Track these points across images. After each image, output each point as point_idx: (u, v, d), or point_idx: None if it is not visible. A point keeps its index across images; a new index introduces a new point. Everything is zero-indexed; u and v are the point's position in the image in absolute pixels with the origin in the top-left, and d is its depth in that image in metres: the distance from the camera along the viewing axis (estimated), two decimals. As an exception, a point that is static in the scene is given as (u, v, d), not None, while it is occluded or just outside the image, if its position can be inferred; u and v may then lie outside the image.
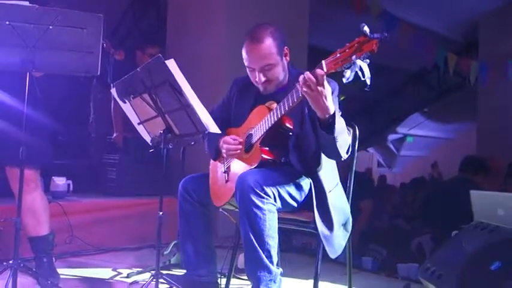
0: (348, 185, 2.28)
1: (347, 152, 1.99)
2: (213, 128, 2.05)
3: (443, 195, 4.06)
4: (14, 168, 2.40)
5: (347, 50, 1.66)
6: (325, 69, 1.73)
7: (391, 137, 13.05)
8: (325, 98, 1.78)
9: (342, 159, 2.00)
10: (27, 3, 2.03)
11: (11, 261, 2.07)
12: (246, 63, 2.12)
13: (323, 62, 1.74)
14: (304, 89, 1.76)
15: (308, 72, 1.76)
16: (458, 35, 8.43)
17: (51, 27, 2.03)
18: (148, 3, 7.19)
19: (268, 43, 2.04)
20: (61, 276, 2.60)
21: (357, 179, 2.36)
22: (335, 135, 1.86)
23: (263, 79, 2.08)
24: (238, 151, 2.12)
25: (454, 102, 9.91)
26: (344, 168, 2.29)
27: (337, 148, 1.91)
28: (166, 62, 1.95)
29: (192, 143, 2.96)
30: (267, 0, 4.58)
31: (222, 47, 4.43)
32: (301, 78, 1.77)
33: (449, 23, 7.83)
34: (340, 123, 1.89)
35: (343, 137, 1.94)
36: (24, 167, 2.18)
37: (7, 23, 1.98)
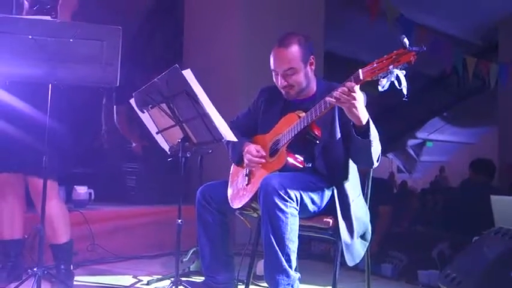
0: (365, 191, 2.28)
1: (377, 160, 2.02)
2: (229, 136, 2.08)
3: (463, 200, 4.00)
4: (33, 178, 2.45)
5: (384, 61, 1.72)
6: (361, 78, 1.78)
7: (411, 142, 12.93)
8: (360, 106, 1.83)
9: (374, 166, 2.03)
10: (48, 18, 2.10)
11: (35, 269, 2.12)
12: (271, 67, 2.18)
13: (360, 70, 1.79)
14: (342, 97, 1.80)
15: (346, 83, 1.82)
16: (476, 38, 8.33)
17: (71, 40, 2.09)
18: (166, 15, 7.28)
19: (294, 49, 2.11)
20: (83, 284, 2.64)
21: (376, 185, 2.36)
22: (371, 138, 1.89)
23: (284, 83, 2.13)
24: (260, 165, 2.15)
25: (474, 106, 9.78)
26: (362, 174, 2.30)
27: (371, 154, 1.94)
28: (183, 72, 1.99)
29: (210, 151, 3.00)
30: (283, 9, 4.61)
31: (238, 56, 4.48)
32: (337, 91, 1.82)
33: (467, 26, 7.75)
34: (374, 129, 1.93)
35: (377, 143, 1.97)
36: (40, 177, 2.24)
37: (30, 37, 2.04)
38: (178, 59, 6.31)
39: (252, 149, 2.19)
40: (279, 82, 2.15)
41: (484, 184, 3.89)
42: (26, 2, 2.46)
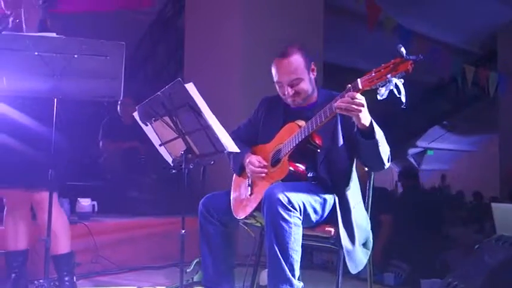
0: (366, 200, 2.30)
1: (388, 161, 2.04)
2: (232, 147, 2.11)
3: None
4: (34, 190, 2.47)
5: (382, 70, 1.75)
6: (360, 87, 1.82)
7: (412, 151, 12.94)
8: (363, 110, 1.86)
9: (385, 167, 2.05)
10: (54, 35, 2.14)
11: (41, 280, 2.14)
12: (275, 80, 2.21)
13: (358, 80, 1.83)
14: (351, 107, 1.83)
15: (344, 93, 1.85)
16: (475, 46, 8.40)
17: (76, 55, 2.13)
18: (166, 28, 7.37)
19: (296, 57, 2.16)
20: (87, 295, 2.66)
21: (377, 194, 2.38)
22: (377, 137, 1.92)
23: (291, 92, 2.17)
24: (263, 175, 2.18)
25: (474, 114, 9.82)
26: (363, 183, 2.32)
27: (380, 154, 1.97)
28: (186, 85, 2.02)
29: (212, 163, 3.02)
30: (283, 20, 4.67)
31: (239, 68, 4.53)
32: (344, 100, 1.85)
33: (465, 35, 7.82)
34: (378, 130, 1.96)
35: (384, 142, 1.99)
36: (38, 189, 2.30)
37: (36, 53, 2.09)
38: (179, 70, 6.38)
39: (254, 160, 2.22)
40: (286, 92, 2.18)
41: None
42: None
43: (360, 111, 1.85)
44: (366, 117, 1.90)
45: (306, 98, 2.20)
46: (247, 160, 2.24)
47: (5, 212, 2.61)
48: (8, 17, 2.42)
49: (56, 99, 2.22)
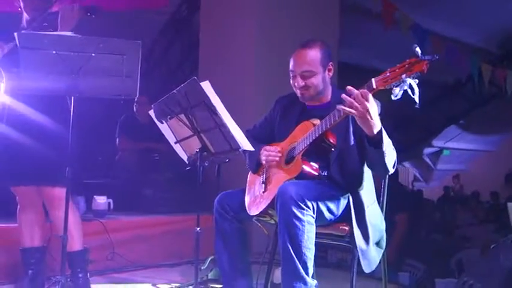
0: (381, 199, 2.30)
1: (393, 167, 2.03)
2: (246, 145, 2.13)
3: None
4: (46, 187, 2.50)
5: (397, 70, 1.74)
6: (374, 86, 1.81)
7: (427, 150, 12.80)
8: (373, 114, 1.84)
9: (389, 173, 2.05)
10: (71, 34, 2.18)
11: (58, 277, 2.17)
12: (290, 69, 2.21)
13: (373, 79, 1.82)
14: (353, 105, 1.82)
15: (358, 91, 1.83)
16: (492, 45, 8.27)
17: (93, 54, 2.16)
18: (181, 28, 7.41)
19: (315, 51, 2.16)
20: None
21: (392, 193, 2.37)
22: (384, 149, 1.91)
23: (301, 83, 2.17)
24: (277, 158, 2.20)
25: (491, 113, 9.69)
26: (378, 183, 2.31)
27: (385, 163, 1.96)
28: (201, 84, 2.04)
29: (227, 160, 3.04)
30: (298, 20, 4.66)
31: (253, 67, 4.53)
32: (353, 94, 1.83)
33: (482, 33, 7.71)
34: (386, 137, 1.94)
35: (390, 151, 1.98)
36: (49, 186, 2.34)
37: (54, 52, 2.12)
38: (194, 69, 6.41)
39: (268, 147, 2.25)
40: (296, 82, 2.18)
41: None
42: (24, 21, 2.54)
43: (361, 110, 1.81)
44: (373, 125, 1.87)
45: (315, 94, 2.20)
46: (262, 149, 2.26)
47: (18, 210, 2.64)
48: (35, 21, 2.45)
49: (73, 98, 2.25)
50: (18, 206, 2.64)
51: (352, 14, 6.06)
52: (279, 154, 2.21)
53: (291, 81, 2.23)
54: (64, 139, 2.31)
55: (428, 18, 6.40)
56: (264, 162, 2.27)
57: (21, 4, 2.53)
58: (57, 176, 2.38)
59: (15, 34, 2.07)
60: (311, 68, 2.15)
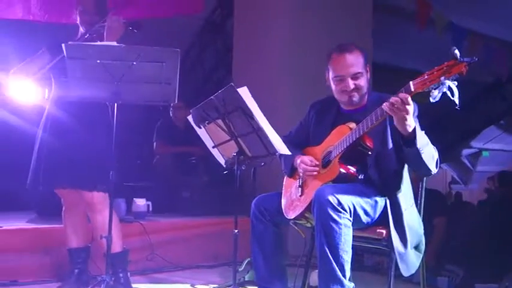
0: (419, 202, 2.28)
1: (436, 166, 2.03)
2: (283, 150, 2.16)
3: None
4: (84, 192, 2.60)
5: (435, 72, 1.74)
6: (412, 89, 1.82)
7: (466, 152, 12.46)
8: (410, 116, 1.86)
9: (432, 173, 2.04)
10: (115, 43, 2.27)
11: (103, 276, 2.27)
12: (333, 75, 2.23)
13: (411, 83, 1.83)
14: (394, 107, 1.84)
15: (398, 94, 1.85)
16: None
17: (135, 63, 2.25)
18: (215, 33, 7.51)
19: (356, 53, 2.20)
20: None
21: (430, 196, 2.35)
22: (418, 146, 1.91)
23: (352, 86, 2.18)
24: (315, 173, 2.21)
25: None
26: (416, 186, 2.30)
27: (424, 162, 1.96)
28: (239, 89, 2.09)
29: (262, 164, 3.09)
30: (331, 23, 4.64)
31: (287, 71, 4.56)
32: (392, 99, 1.85)
33: (523, 31, 7.47)
34: (422, 136, 1.95)
35: (428, 149, 1.98)
36: (88, 190, 2.45)
37: (98, 61, 2.23)
38: (227, 74, 6.49)
39: (305, 159, 2.26)
40: (348, 85, 2.18)
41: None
42: (79, 33, 2.66)
43: (403, 113, 1.84)
44: (408, 124, 1.88)
45: (361, 97, 2.21)
46: (299, 160, 2.28)
47: (63, 211, 2.76)
48: (85, 34, 2.57)
49: (115, 104, 2.35)
50: (63, 208, 2.76)
51: (385, 13, 5.98)
52: (316, 168, 2.21)
53: (337, 87, 2.22)
54: (103, 146, 2.40)
55: (465, 16, 6.26)
56: (300, 174, 2.29)
57: (78, 19, 2.66)
58: (96, 182, 2.50)
59: (63, 45, 2.18)
60: (360, 70, 2.18)
